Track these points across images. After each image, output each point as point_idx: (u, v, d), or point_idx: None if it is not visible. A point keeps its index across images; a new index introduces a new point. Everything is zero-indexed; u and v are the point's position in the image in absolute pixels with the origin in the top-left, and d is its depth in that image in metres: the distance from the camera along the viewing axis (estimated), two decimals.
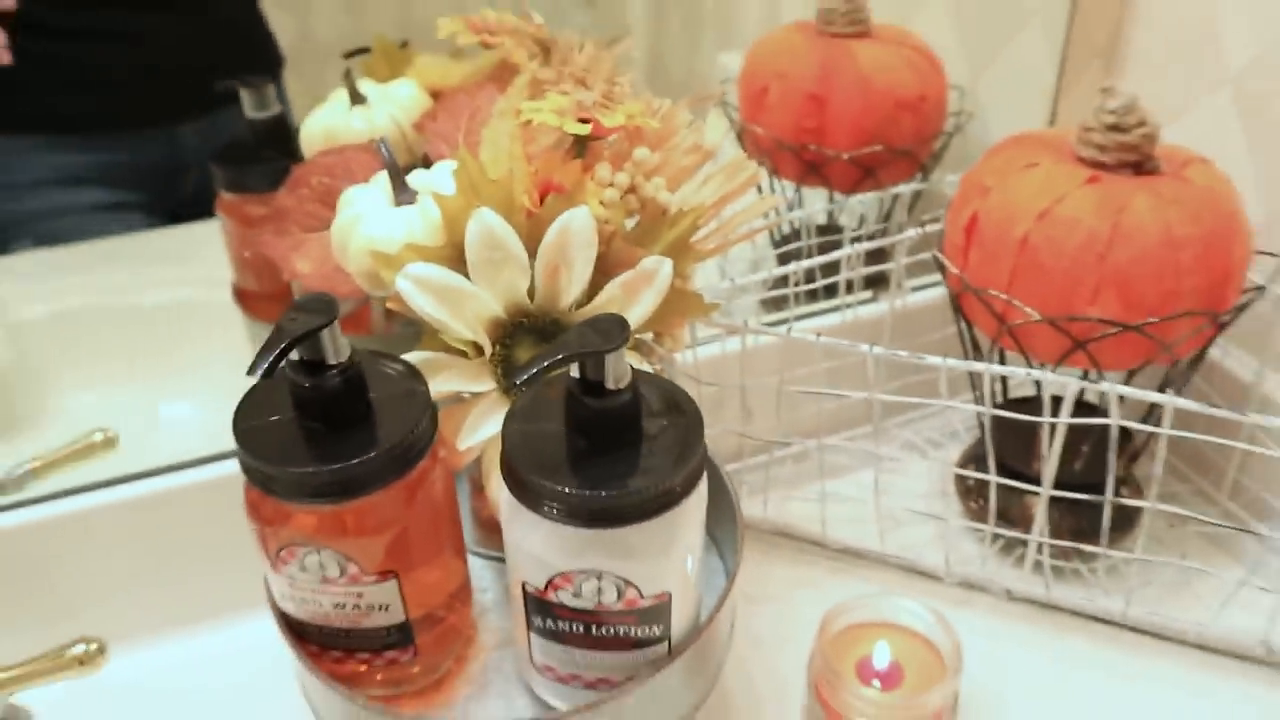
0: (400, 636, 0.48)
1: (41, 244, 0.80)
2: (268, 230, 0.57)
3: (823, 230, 0.82)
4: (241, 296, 0.72)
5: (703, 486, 0.45)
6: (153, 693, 0.62)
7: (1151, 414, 0.64)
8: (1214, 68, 0.70)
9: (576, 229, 0.48)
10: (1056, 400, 0.59)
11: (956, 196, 0.63)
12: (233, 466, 0.62)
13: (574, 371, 0.42)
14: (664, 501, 0.42)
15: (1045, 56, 0.79)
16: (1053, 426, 0.58)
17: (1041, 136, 0.63)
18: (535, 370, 0.39)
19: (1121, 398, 0.57)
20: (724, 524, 0.55)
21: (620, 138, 0.53)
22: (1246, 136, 0.69)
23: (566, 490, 0.41)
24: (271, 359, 0.40)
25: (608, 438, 0.42)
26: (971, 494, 0.70)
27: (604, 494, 0.41)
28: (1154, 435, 0.65)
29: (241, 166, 0.68)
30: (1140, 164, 0.59)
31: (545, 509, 0.41)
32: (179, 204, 0.82)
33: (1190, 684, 0.62)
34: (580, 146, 0.52)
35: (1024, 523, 0.66)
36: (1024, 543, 0.66)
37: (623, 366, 0.42)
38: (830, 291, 0.75)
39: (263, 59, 0.79)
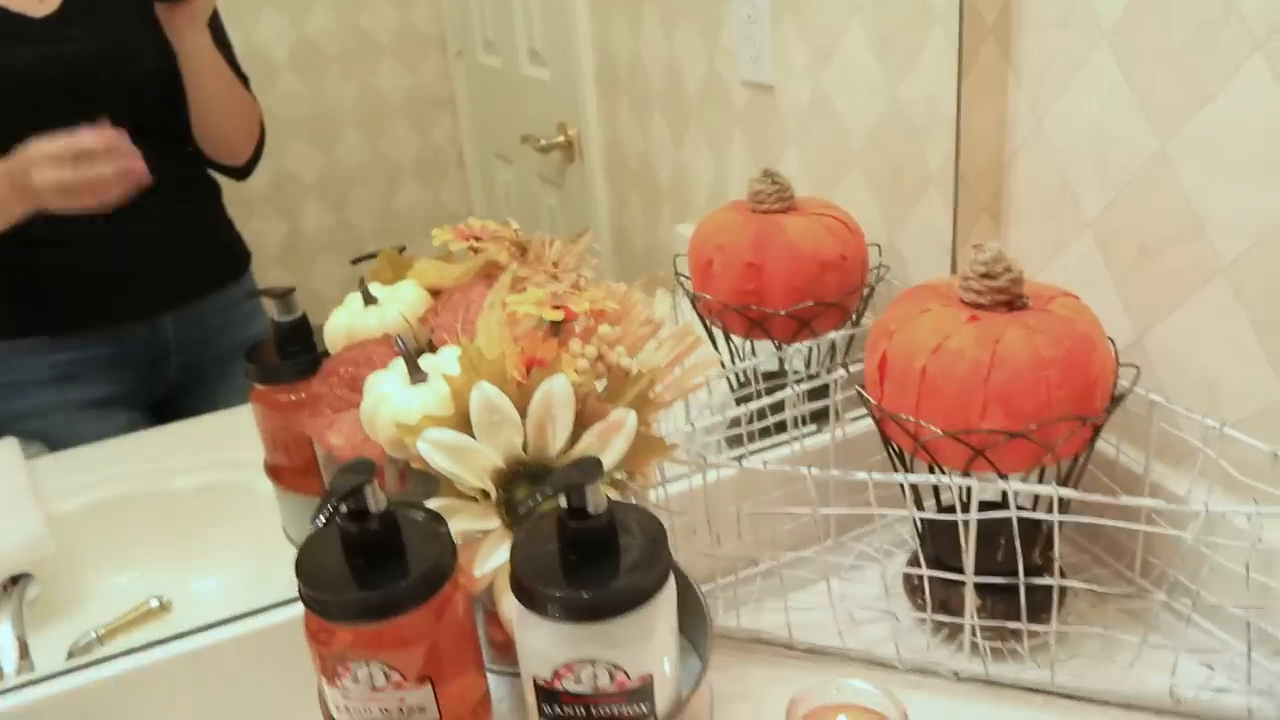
0: None
1: (31, 442, 0.90)
2: (305, 413, 0.69)
3: (770, 376, 0.95)
4: (273, 472, 0.84)
5: (671, 585, 0.56)
6: None
7: (1053, 506, 0.76)
8: (1075, 216, 0.85)
9: (557, 392, 0.61)
10: (984, 504, 0.71)
11: (869, 341, 0.76)
12: (265, 620, 0.73)
13: (562, 502, 0.54)
14: (639, 597, 0.53)
15: (943, 215, 0.93)
16: (966, 522, 0.70)
17: (933, 287, 0.77)
18: (539, 502, 0.51)
19: (1018, 494, 0.69)
20: (697, 628, 0.66)
21: (587, 317, 0.66)
22: (1108, 270, 0.83)
23: (562, 594, 0.52)
24: (329, 510, 0.52)
25: (592, 552, 0.54)
26: (917, 591, 0.81)
27: (592, 594, 0.52)
28: (1062, 524, 0.76)
29: (271, 363, 0.81)
30: (1011, 302, 0.72)
31: (548, 611, 0.53)
32: (165, 390, 0.94)
33: None
34: (556, 327, 0.66)
35: (961, 611, 0.77)
36: (963, 628, 0.77)
37: (600, 496, 0.54)
38: (781, 428, 0.87)
39: (230, 256, 0.93)
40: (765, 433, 0.87)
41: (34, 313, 0.89)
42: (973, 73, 0.87)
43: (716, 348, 0.97)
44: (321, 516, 0.52)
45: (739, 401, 0.92)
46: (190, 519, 0.95)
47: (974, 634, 0.76)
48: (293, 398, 0.80)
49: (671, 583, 0.56)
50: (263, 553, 0.93)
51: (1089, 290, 0.78)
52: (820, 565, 0.85)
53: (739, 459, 0.84)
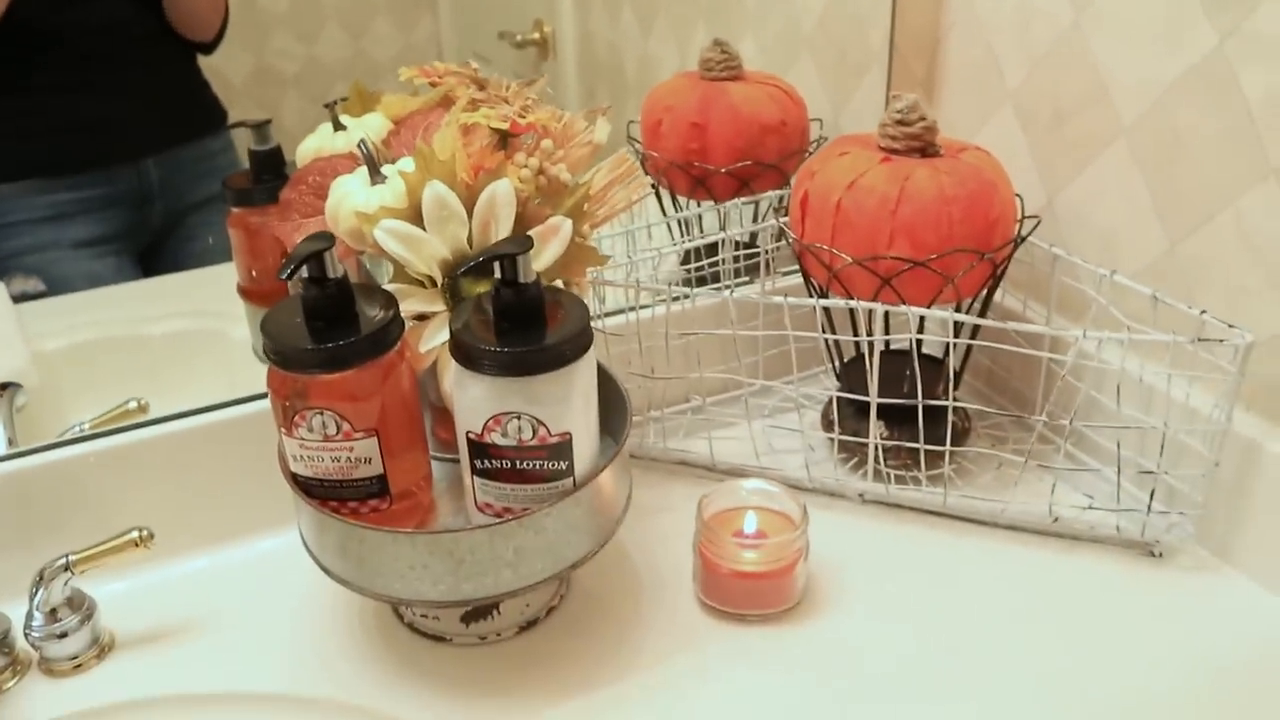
0: (380, 486, 0.65)
1: (30, 276, 0.98)
2: (275, 218, 0.76)
3: (712, 247, 1.02)
4: (246, 293, 0.91)
5: (591, 357, 0.63)
6: (191, 591, 0.79)
7: (950, 329, 0.84)
8: (998, 87, 0.91)
9: (501, 194, 0.67)
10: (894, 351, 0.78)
11: (794, 182, 0.83)
12: (234, 411, 0.81)
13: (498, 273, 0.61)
14: (561, 359, 0.61)
15: (881, 92, 1.00)
16: (870, 344, 0.78)
17: (854, 136, 0.84)
18: (474, 262, 0.58)
19: (923, 319, 0.76)
20: (617, 421, 0.73)
21: (533, 137, 0.73)
22: (1025, 137, 0.90)
23: (493, 350, 0.59)
24: (293, 267, 0.59)
25: (521, 318, 0.61)
26: (831, 426, 0.89)
27: (519, 352, 0.59)
28: (965, 363, 0.84)
29: (246, 187, 0.88)
30: (924, 150, 0.79)
31: (481, 366, 0.60)
32: (151, 236, 1.01)
33: (994, 552, 0.80)
34: (503, 140, 0.72)
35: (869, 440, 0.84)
36: (868, 457, 0.85)
37: (529, 268, 0.61)
38: (716, 278, 0.94)
39: (208, 110, 1.00)
40: (701, 282, 0.94)
41: (29, 155, 0.97)
42: None
43: (664, 212, 1.04)
44: (286, 270, 0.59)
45: (686, 259, 0.99)
46: (164, 362, 1.01)
47: (878, 459, 0.83)
48: (263, 221, 0.86)
49: (592, 355, 0.63)
50: (234, 393, 1.01)
51: (1008, 158, 0.85)
52: (745, 407, 0.93)
53: (668, 286, 0.91)
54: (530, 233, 0.68)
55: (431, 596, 0.64)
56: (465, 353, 0.61)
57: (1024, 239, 0.81)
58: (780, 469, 0.86)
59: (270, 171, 0.88)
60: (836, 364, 0.86)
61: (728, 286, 0.94)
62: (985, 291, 0.82)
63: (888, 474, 0.84)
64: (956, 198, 0.75)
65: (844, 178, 0.77)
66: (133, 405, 0.87)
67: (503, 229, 0.68)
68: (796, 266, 0.96)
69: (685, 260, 0.98)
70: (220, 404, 0.82)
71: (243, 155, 0.89)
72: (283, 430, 0.64)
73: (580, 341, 0.62)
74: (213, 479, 0.81)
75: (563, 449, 0.63)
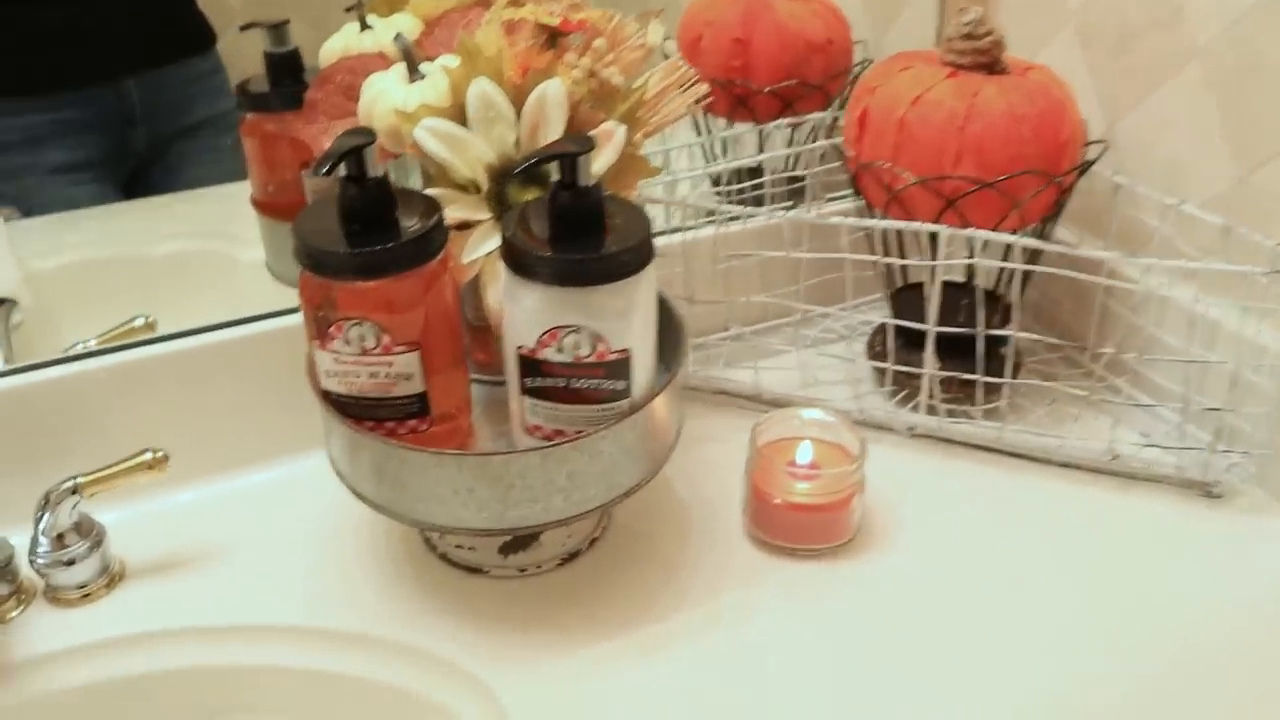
0: (420, 406, 0.61)
1: (4, 205, 0.91)
2: (299, 122, 0.71)
3: (753, 171, 0.97)
4: (260, 205, 0.85)
5: (652, 271, 0.59)
6: (207, 518, 0.74)
7: (1008, 275, 0.79)
8: (1060, 7, 0.87)
9: (552, 94, 0.62)
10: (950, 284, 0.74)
11: (851, 99, 0.79)
12: (247, 329, 0.76)
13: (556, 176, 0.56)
14: (624, 269, 0.56)
15: (931, 11, 0.95)
16: (933, 269, 0.73)
17: (915, 52, 0.79)
18: (532, 161, 0.54)
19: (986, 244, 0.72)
20: (669, 340, 0.69)
21: (582, 37, 0.68)
22: (1085, 61, 0.85)
23: (550, 258, 0.55)
24: (331, 162, 0.54)
25: (580, 225, 0.57)
26: (879, 356, 0.85)
27: (581, 258, 0.55)
28: (1021, 295, 0.80)
29: (262, 91, 0.82)
30: (990, 66, 0.74)
31: (536, 274, 0.55)
32: (135, 162, 0.95)
33: (1047, 490, 0.77)
34: (551, 42, 0.67)
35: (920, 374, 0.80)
36: (919, 392, 0.81)
37: (590, 171, 0.56)
38: (759, 203, 0.90)
39: (195, 29, 0.93)
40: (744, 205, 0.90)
41: None
42: None
43: (699, 132, 0.99)
44: (324, 166, 0.54)
45: (717, 181, 0.94)
46: (167, 284, 0.96)
47: (931, 392, 0.79)
48: (281, 128, 0.81)
49: (653, 268, 0.59)
50: (241, 310, 0.95)
51: (1069, 79, 0.80)
52: (788, 338, 0.89)
53: (718, 206, 0.86)
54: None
55: (474, 524, 0.60)
56: (520, 260, 0.56)
57: (1091, 163, 0.76)
58: (828, 402, 0.82)
59: (288, 76, 0.82)
60: (886, 292, 0.82)
61: (784, 207, 0.90)
62: (1043, 220, 0.78)
63: (940, 409, 0.80)
64: (1026, 116, 0.71)
65: (909, 92, 0.73)
66: (139, 322, 0.82)
67: (553, 133, 0.63)
68: (842, 192, 0.92)
69: (718, 183, 0.93)
70: (237, 320, 0.77)
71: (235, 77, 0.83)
72: (315, 343, 0.60)
73: (643, 251, 0.57)
74: (229, 399, 0.77)
75: (621, 367, 0.59)
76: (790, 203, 0.92)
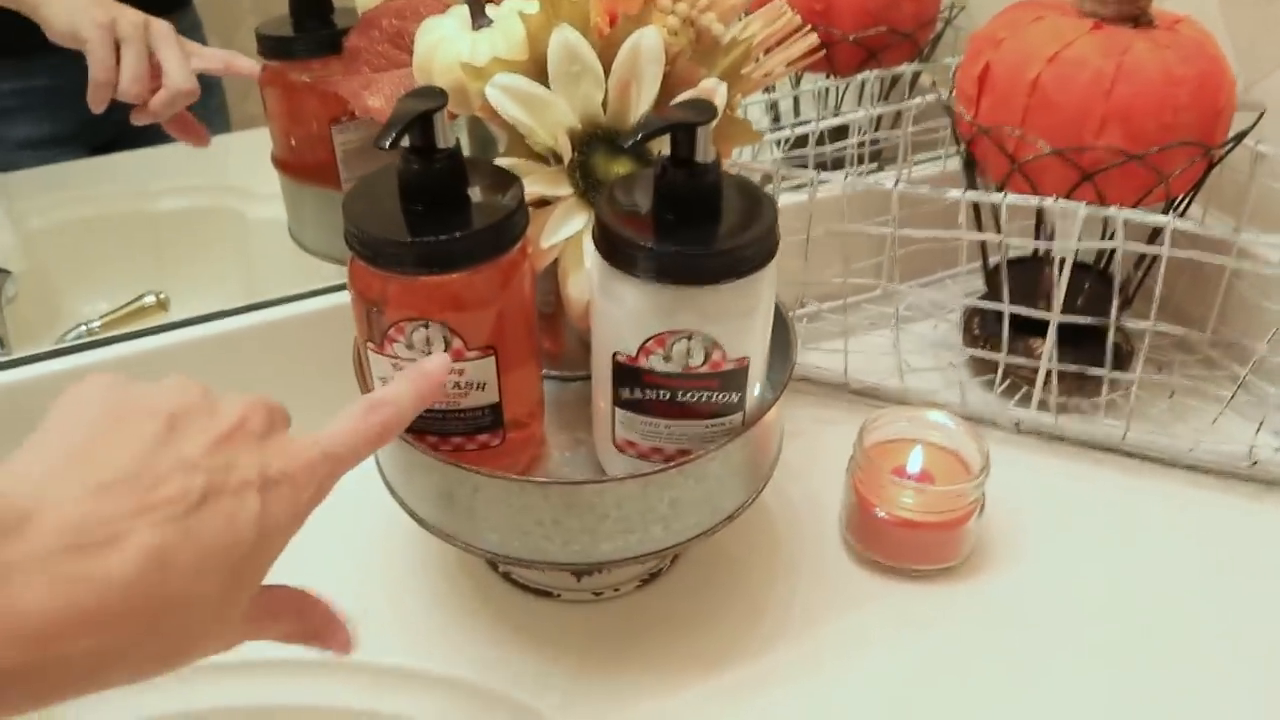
0: (494, 418, 0.52)
1: None
2: (337, 71, 0.60)
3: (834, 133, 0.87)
4: (282, 165, 0.75)
5: (774, 265, 0.49)
6: None
7: (1145, 259, 0.70)
8: None
9: (647, 46, 0.52)
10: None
11: (966, 55, 0.69)
12: (270, 314, 0.66)
13: (667, 150, 0.47)
14: (748, 264, 0.46)
15: None
16: (1062, 259, 0.64)
17: (1044, 0, 0.69)
18: (647, 132, 0.44)
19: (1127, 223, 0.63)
20: (776, 339, 0.60)
21: None
22: (1223, 12, 0.75)
23: (661, 249, 0.45)
24: (397, 131, 0.44)
25: (695, 210, 0.47)
26: (979, 341, 0.76)
27: (699, 253, 0.45)
28: (1144, 285, 0.71)
29: (285, 35, 0.71)
30: (1136, 18, 0.64)
31: (641, 269, 0.46)
32: (113, 131, 0.84)
33: (1176, 496, 0.68)
34: None
35: (1030, 360, 0.71)
36: (1030, 382, 0.72)
37: (709, 144, 0.46)
38: (839, 165, 0.80)
39: None
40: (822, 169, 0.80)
41: None
42: None
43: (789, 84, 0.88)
44: (388, 137, 0.44)
45: (792, 145, 0.84)
46: (171, 245, 0.86)
47: (1045, 384, 0.70)
48: (308, 78, 0.71)
49: (775, 263, 0.49)
50: (254, 278, 0.85)
51: None
52: (875, 315, 0.80)
53: (814, 173, 0.76)
54: (681, 97, 0.53)
55: (560, 559, 0.51)
56: (622, 251, 0.46)
57: (1246, 133, 0.67)
58: (926, 394, 0.73)
59: (315, 18, 0.71)
60: (999, 265, 0.72)
61: (860, 175, 0.80)
62: (1184, 197, 0.68)
63: (1051, 403, 0.71)
64: (1184, 79, 0.61)
65: (1046, 47, 0.63)
66: (150, 300, 0.72)
67: (646, 93, 0.53)
68: (927, 155, 0.82)
69: (793, 145, 0.83)
70: (267, 301, 0.67)
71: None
72: (370, 346, 0.50)
73: (768, 243, 0.48)
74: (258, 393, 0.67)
75: (738, 378, 0.49)
76: (874, 164, 0.82)
